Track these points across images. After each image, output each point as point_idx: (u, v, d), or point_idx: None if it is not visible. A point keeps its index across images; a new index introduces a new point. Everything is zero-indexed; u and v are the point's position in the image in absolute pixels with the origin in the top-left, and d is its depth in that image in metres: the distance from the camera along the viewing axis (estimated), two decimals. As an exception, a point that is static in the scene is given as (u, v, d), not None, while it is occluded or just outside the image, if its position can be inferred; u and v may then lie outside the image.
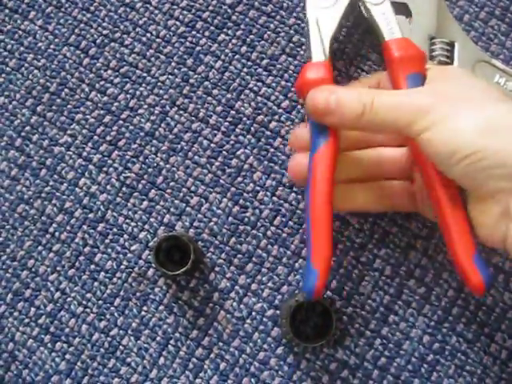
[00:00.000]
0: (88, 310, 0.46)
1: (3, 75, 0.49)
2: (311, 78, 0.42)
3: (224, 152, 0.48)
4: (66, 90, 0.49)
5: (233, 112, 0.48)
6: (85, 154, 0.48)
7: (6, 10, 0.50)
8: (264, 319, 0.46)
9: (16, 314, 0.46)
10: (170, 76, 0.49)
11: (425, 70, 0.43)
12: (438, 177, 0.40)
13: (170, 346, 0.46)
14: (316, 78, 0.42)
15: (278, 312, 0.46)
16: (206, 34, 0.49)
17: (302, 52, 0.49)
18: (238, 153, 0.48)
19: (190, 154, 0.48)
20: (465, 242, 0.40)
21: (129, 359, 0.46)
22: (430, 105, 0.38)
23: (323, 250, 0.41)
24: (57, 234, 0.47)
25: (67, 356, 0.46)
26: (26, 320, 0.46)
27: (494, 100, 0.39)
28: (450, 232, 0.40)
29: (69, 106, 0.48)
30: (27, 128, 0.48)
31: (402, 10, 0.48)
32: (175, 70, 0.49)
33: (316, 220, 0.41)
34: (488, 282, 0.39)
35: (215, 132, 0.48)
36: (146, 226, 0.47)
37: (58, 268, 0.47)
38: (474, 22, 0.50)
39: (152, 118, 0.48)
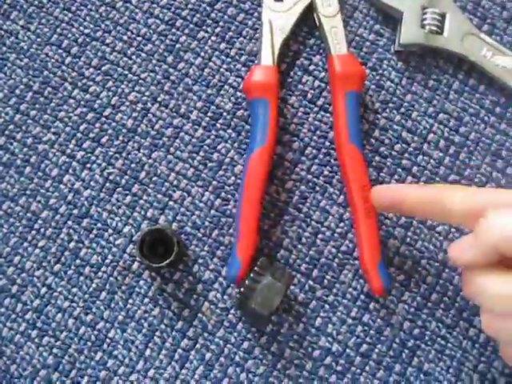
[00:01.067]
0: (74, 304, 0.47)
1: (-14, 75, 0.50)
2: (256, 81, 0.46)
3: (205, 146, 0.49)
4: (48, 88, 0.49)
5: (213, 107, 0.49)
6: (68, 151, 0.49)
7: (-12, 11, 0.51)
8: (248, 309, 0.47)
9: (3, 310, 0.47)
10: (150, 73, 0.50)
11: (363, 87, 0.46)
12: (358, 188, 0.45)
13: (155, 337, 0.47)
14: (261, 82, 0.46)
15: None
16: (186, 31, 0.50)
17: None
18: (219, 147, 0.49)
19: (171, 149, 0.49)
20: (372, 250, 0.45)
21: (116, 352, 0.46)
22: None
23: (247, 240, 0.45)
24: (42, 230, 0.48)
25: (54, 350, 0.46)
26: (13, 316, 0.47)
27: None
28: (361, 239, 0.45)
29: (52, 105, 0.49)
30: (11, 126, 0.49)
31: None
32: (156, 68, 0.50)
33: (244, 212, 0.45)
34: (387, 286, 0.45)
35: (196, 127, 0.49)
36: (130, 221, 0.48)
37: (43, 264, 0.47)
38: None
39: (134, 114, 0.49)
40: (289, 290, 0.47)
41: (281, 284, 0.43)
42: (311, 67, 0.50)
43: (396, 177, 0.49)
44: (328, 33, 0.47)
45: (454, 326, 0.47)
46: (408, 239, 0.48)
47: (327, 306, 0.47)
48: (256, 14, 0.51)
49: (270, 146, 0.45)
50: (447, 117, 0.50)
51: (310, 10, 0.49)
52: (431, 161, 0.49)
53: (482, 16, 0.51)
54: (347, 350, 0.47)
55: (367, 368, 0.47)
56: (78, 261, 0.47)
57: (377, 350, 0.47)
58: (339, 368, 0.46)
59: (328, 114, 0.49)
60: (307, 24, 0.50)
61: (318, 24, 0.49)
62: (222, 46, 0.50)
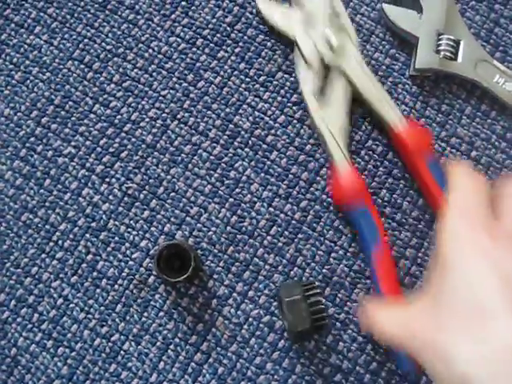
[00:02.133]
0: (90, 316, 0.48)
1: (9, 87, 0.50)
2: (348, 192, 0.47)
3: (223, 164, 0.50)
4: (70, 102, 0.50)
5: (231, 126, 0.50)
6: (88, 164, 0.49)
7: (12, 25, 0.51)
8: (260, 325, 0.48)
9: (19, 319, 0.47)
10: (171, 90, 0.51)
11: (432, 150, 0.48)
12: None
13: (169, 350, 0.47)
14: (352, 192, 0.47)
15: (274, 318, 0.48)
16: (206, 50, 0.51)
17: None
18: (236, 165, 0.50)
19: (189, 165, 0.50)
20: None
21: (129, 364, 0.47)
22: (429, 340, 0.36)
23: None
24: (60, 242, 0.48)
25: (69, 361, 0.47)
26: (29, 326, 0.47)
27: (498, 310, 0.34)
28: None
29: (73, 118, 0.50)
30: (32, 139, 0.50)
31: (414, 5, 0.51)
32: (176, 85, 0.51)
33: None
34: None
35: (214, 145, 0.50)
36: (147, 235, 0.49)
37: (61, 275, 0.48)
38: (482, 23, 0.53)
39: (153, 130, 0.50)
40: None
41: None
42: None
43: (408, 198, 0.50)
44: (382, 113, 0.48)
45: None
46: (419, 260, 0.49)
47: (338, 324, 0.48)
48: (275, 36, 0.52)
49: (384, 245, 0.47)
50: (459, 141, 0.51)
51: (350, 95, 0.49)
52: (443, 184, 0.50)
53: (494, 43, 0.53)
54: (357, 368, 0.48)
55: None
56: (94, 273, 0.48)
57: (386, 369, 0.48)
58: (349, 385, 0.47)
59: (343, 136, 0.50)
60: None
61: (367, 107, 0.49)
62: (242, 65, 0.51)
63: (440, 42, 0.51)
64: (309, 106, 0.49)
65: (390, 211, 0.49)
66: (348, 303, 0.48)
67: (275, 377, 0.47)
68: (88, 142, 0.50)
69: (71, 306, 0.48)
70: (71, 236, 0.48)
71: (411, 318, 0.39)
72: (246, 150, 0.50)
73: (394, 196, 0.50)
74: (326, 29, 0.49)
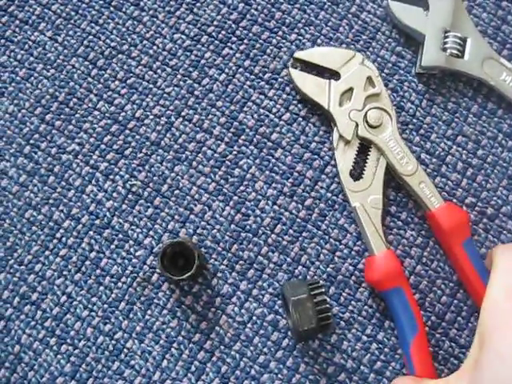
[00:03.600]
0: (93, 313, 0.47)
1: (13, 84, 0.50)
2: (384, 274, 0.46)
3: (227, 162, 0.50)
4: (74, 99, 0.50)
5: (236, 123, 0.50)
6: (92, 161, 0.49)
7: (17, 21, 0.51)
8: (264, 324, 0.47)
9: (23, 316, 0.47)
10: (175, 88, 0.50)
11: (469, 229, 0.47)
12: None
13: (173, 349, 0.47)
14: (389, 273, 0.46)
15: (278, 317, 0.48)
16: (211, 47, 0.51)
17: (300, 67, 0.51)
18: (241, 163, 0.50)
19: (194, 163, 0.49)
20: None
21: (133, 362, 0.47)
22: None
23: None
24: (64, 239, 0.48)
25: (72, 358, 0.47)
26: (33, 323, 0.47)
27: None
28: None
29: (77, 115, 0.50)
30: (36, 136, 0.50)
31: (421, 2, 0.51)
32: (181, 82, 0.50)
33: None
34: None
35: (219, 142, 0.50)
36: (151, 233, 0.48)
37: (64, 272, 0.48)
38: (489, 21, 0.53)
39: (158, 128, 0.50)
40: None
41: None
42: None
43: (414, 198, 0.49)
44: (417, 190, 0.48)
45: (468, 346, 0.48)
46: (424, 259, 0.49)
47: (343, 323, 0.48)
48: (280, 33, 0.51)
49: (422, 332, 0.46)
50: (465, 139, 0.51)
51: (388, 171, 0.49)
52: (449, 182, 0.50)
53: (502, 41, 0.52)
54: (361, 367, 0.47)
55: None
56: (98, 271, 0.48)
57: (390, 368, 0.47)
58: (353, 384, 0.47)
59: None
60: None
61: (401, 183, 0.49)
62: (247, 63, 0.51)
63: (446, 40, 0.50)
64: (344, 184, 0.48)
65: (394, 210, 0.49)
66: (352, 302, 0.48)
67: (279, 376, 0.47)
68: (92, 139, 0.50)
69: (74, 303, 0.48)
70: (75, 233, 0.48)
71: None
72: (251, 147, 0.50)
73: (400, 195, 0.49)
74: (365, 105, 0.49)
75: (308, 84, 0.49)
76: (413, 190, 0.48)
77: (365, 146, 0.49)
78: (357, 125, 0.48)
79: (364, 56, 0.50)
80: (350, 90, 0.49)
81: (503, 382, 0.34)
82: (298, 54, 0.50)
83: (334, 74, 0.50)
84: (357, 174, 0.49)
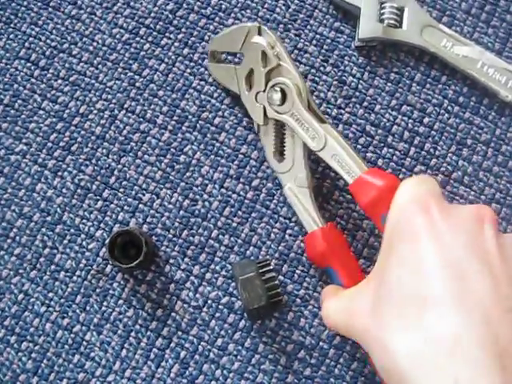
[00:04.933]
0: (51, 308, 0.48)
1: (-41, 91, 0.51)
2: (311, 254, 0.46)
3: (172, 149, 0.50)
4: (19, 101, 0.51)
5: (178, 111, 0.50)
6: (40, 160, 0.50)
7: (-41, 30, 0.52)
8: (220, 307, 0.48)
9: (-18, 317, 0.48)
10: (117, 81, 0.51)
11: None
12: None
13: (131, 338, 0.47)
14: (315, 253, 0.45)
15: (233, 299, 0.48)
16: (150, 39, 0.52)
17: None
18: (186, 149, 0.50)
19: (139, 153, 0.50)
20: None
21: (92, 354, 0.47)
22: (366, 324, 0.36)
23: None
24: (17, 238, 0.49)
25: (33, 355, 0.47)
26: (-8, 323, 0.48)
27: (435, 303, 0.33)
28: None
29: (22, 116, 0.51)
30: (-16, 140, 0.51)
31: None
32: (122, 75, 0.51)
33: None
34: None
35: (163, 131, 0.50)
36: (102, 225, 0.49)
37: (20, 271, 0.48)
38: None
39: (102, 121, 0.50)
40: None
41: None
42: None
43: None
44: (332, 164, 0.44)
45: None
46: (376, 231, 0.49)
47: (298, 300, 0.48)
48: (217, 19, 0.52)
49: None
50: (410, 109, 0.51)
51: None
52: (396, 153, 0.50)
53: (441, 8, 0.52)
54: (320, 343, 0.47)
55: (341, 360, 0.47)
56: (52, 266, 0.48)
57: (350, 342, 0.47)
58: (313, 361, 0.47)
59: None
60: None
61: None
62: (185, 51, 0.51)
63: (383, 11, 0.50)
64: (272, 167, 0.47)
65: (343, 183, 0.49)
66: (307, 279, 0.48)
67: (238, 357, 0.47)
68: (39, 139, 0.50)
69: (32, 300, 0.48)
70: (28, 231, 0.49)
71: (352, 304, 0.38)
72: (195, 133, 0.50)
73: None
74: (267, 84, 0.45)
75: (220, 74, 0.49)
76: (333, 165, 0.44)
77: (281, 126, 0.47)
78: (264, 107, 0.46)
79: (261, 24, 0.47)
80: (252, 71, 0.46)
81: (404, 284, 0.34)
82: (208, 47, 0.50)
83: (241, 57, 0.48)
84: (279, 155, 0.47)
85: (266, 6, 0.52)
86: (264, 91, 0.46)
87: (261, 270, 0.45)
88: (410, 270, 0.34)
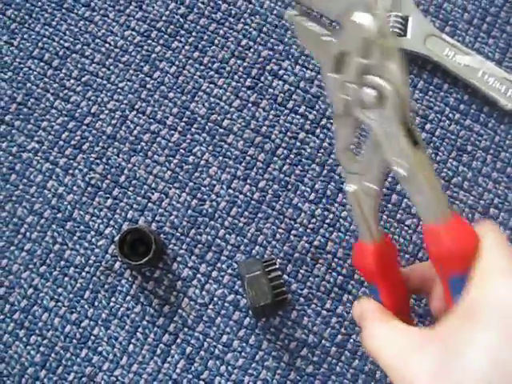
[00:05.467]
0: (60, 303, 0.49)
1: (-28, 89, 0.52)
2: (358, 266, 0.41)
3: (181, 150, 0.51)
4: (31, 99, 0.52)
5: (188, 113, 0.52)
6: (51, 158, 0.51)
7: (-27, 29, 0.54)
8: (225, 304, 0.49)
9: (-8, 311, 0.49)
10: (128, 82, 0.52)
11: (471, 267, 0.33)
12: None
13: (138, 333, 0.49)
14: (362, 267, 0.40)
15: (238, 297, 0.49)
16: (161, 42, 0.53)
17: (250, 55, 0.53)
18: (195, 150, 0.51)
19: (149, 153, 0.51)
20: None
21: (100, 348, 0.48)
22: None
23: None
24: (28, 234, 0.50)
25: (41, 348, 0.48)
26: (1, 316, 0.49)
27: None
28: None
29: (35, 115, 0.52)
30: (-3, 137, 0.52)
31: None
32: (133, 77, 0.52)
33: None
34: None
35: (172, 132, 0.51)
36: (111, 223, 0.50)
37: (30, 266, 0.49)
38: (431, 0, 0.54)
39: (113, 121, 0.52)
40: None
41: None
42: (281, 72, 0.52)
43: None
44: (415, 197, 0.35)
45: (426, 316, 0.49)
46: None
47: (302, 299, 0.49)
48: (227, 24, 0.53)
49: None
50: (413, 115, 0.52)
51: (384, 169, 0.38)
52: (399, 157, 0.51)
53: (444, 18, 0.54)
54: (323, 341, 0.49)
55: (343, 358, 0.48)
56: (62, 262, 0.50)
57: (351, 340, 0.48)
58: (315, 359, 0.48)
59: (298, 116, 0.52)
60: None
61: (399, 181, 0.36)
62: (196, 54, 0.53)
63: (389, 20, 0.52)
64: (339, 161, 0.39)
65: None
66: (310, 278, 0.49)
67: (242, 354, 0.48)
68: (51, 137, 0.51)
69: (41, 295, 0.49)
70: (38, 228, 0.50)
71: (410, 354, 0.33)
72: (204, 135, 0.51)
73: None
74: (361, 77, 0.34)
75: (304, 34, 0.36)
76: (412, 196, 0.35)
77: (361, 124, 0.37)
78: (349, 100, 0.35)
79: None
80: (345, 54, 0.34)
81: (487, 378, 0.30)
82: None
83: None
84: (352, 152, 0.38)
85: (274, 12, 0.53)
86: (354, 84, 0.34)
87: (267, 269, 0.46)
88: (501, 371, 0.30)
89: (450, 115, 0.52)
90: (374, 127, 0.35)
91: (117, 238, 0.49)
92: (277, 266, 0.47)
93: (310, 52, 0.38)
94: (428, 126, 0.52)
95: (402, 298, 0.41)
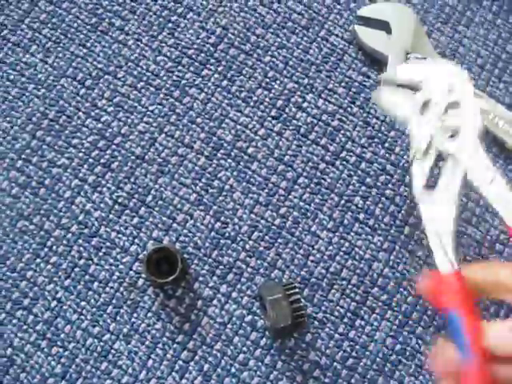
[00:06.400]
0: (83, 317, 0.50)
1: (6, 103, 0.54)
2: (436, 293, 0.40)
3: (207, 174, 0.53)
4: (63, 117, 0.54)
5: (215, 138, 0.54)
6: (81, 175, 0.53)
7: (9, 44, 0.55)
8: (243, 324, 0.51)
9: (15, 321, 0.50)
10: (158, 106, 0.54)
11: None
12: None
13: (157, 349, 0.50)
14: (441, 293, 0.40)
15: (256, 318, 0.51)
16: (191, 69, 0.55)
17: (276, 86, 0.55)
18: (220, 175, 0.53)
19: (176, 175, 0.53)
20: None
21: (120, 362, 0.50)
22: None
23: None
24: (54, 247, 0.51)
25: (62, 360, 0.50)
26: (25, 327, 0.50)
27: None
28: None
29: (66, 132, 0.53)
30: (27, 151, 0.53)
31: (384, 26, 0.55)
32: (163, 101, 0.54)
33: None
34: None
35: (199, 156, 0.53)
36: (137, 240, 0.52)
37: (54, 279, 0.51)
38: (447, 43, 0.57)
39: (142, 143, 0.53)
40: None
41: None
42: (305, 104, 0.55)
43: (380, 205, 0.53)
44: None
45: (433, 343, 0.51)
46: (391, 262, 0.52)
47: (316, 323, 0.51)
48: (255, 55, 0.56)
49: (477, 363, 0.37)
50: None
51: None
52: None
53: (458, 61, 0.57)
54: (334, 364, 0.51)
55: (353, 380, 0.51)
56: (87, 276, 0.51)
57: (362, 364, 0.51)
58: (327, 380, 0.50)
59: (319, 147, 0.54)
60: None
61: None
62: (224, 83, 0.55)
63: (408, 61, 0.55)
64: (419, 202, 0.42)
65: (363, 217, 0.53)
66: (325, 303, 0.52)
67: (258, 373, 0.50)
68: (81, 154, 0.53)
69: (64, 307, 0.50)
70: (65, 242, 0.51)
71: None
72: (229, 160, 0.54)
73: (367, 203, 0.53)
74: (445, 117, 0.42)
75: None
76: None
77: (442, 159, 0.42)
78: (436, 139, 0.42)
79: None
80: (431, 101, 0.42)
81: None
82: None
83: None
84: (433, 190, 0.41)
85: (300, 46, 0.56)
86: (438, 121, 0.42)
87: (287, 292, 0.48)
88: None
89: (462, 154, 0.55)
90: (457, 154, 0.41)
91: (143, 256, 0.51)
92: (297, 290, 0.49)
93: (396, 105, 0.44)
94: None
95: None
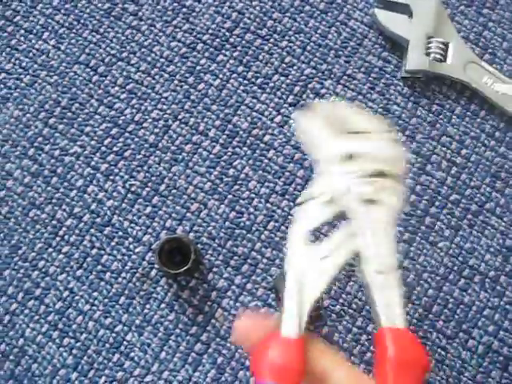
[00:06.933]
0: (94, 307, 0.50)
1: (18, 90, 0.53)
2: (272, 363, 0.31)
3: (222, 162, 0.52)
4: (76, 104, 0.53)
5: (230, 126, 0.53)
6: (93, 163, 0.52)
7: (22, 31, 0.54)
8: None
9: (27, 311, 0.49)
10: (172, 93, 0.53)
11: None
12: None
13: (170, 341, 0.49)
14: (277, 364, 0.31)
15: (271, 310, 0.50)
16: (206, 54, 0.54)
17: (293, 72, 0.54)
18: (235, 163, 0.52)
19: (190, 163, 0.52)
20: None
21: (132, 354, 0.49)
22: None
23: None
24: (66, 237, 0.51)
25: (74, 351, 0.49)
26: (36, 317, 0.49)
27: None
28: None
29: (79, 119, 0.52)
30: (40, 139, 0.52)
31: (405, 10, 0.54)
32: (177, 87, 0.53)
33: None
34: None
35: (214, 144, 0.52)
36: (150, 230, 0.51)
37: (66, 269, 0.50)
38: (471, 27, 0.55)
39: (156, 130, 0.52)
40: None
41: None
42: (323, 90, 0.53)
43: (401, 195, 0.52)
44: (378, 295, 0.33)
45: (454, 337, 0.50)
46: (411, 254, 0.51)
47: (334, 316, 0.50)
48: (272, 40, 0.54)
49: None
50: (449, 140, 0.53)
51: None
52: (434, 181, 0.52)
53: (483, 46, 0.55)
54: (352, 358, 0.49)
55: (370, 375, 0.49)
56: (99, 267, 0.50)
57: (380, 359, 0.49)
58: (344, 375, 0.49)
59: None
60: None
61: (364, 281, 0.35)
62: (240, 68, 0.54)
63: (430, 45, 0.53)
64: (292, 247, 0.35)
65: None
66: (343, 295, 0.50)
67: (273, 366, 0.49)
68: (93, 142, 0.52)
69: (76, 298, 0.50)
70: (77, 231, 0.51)
71: None
72: (245, 148, 0.52)
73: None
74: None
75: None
76: (372, 294, 0.34)
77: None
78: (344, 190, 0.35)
79: None
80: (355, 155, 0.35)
81: None
82: None
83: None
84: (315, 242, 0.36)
85: (319, 31, 0.54)
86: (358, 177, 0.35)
87: None
88: None
89: (486, 142, 0.53)
90: (363, 221, 0.35)
91: (155, 246, 0.50)
92: (313, 282, 0.47)
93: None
94: (464, 151, 0.53)
95: None
